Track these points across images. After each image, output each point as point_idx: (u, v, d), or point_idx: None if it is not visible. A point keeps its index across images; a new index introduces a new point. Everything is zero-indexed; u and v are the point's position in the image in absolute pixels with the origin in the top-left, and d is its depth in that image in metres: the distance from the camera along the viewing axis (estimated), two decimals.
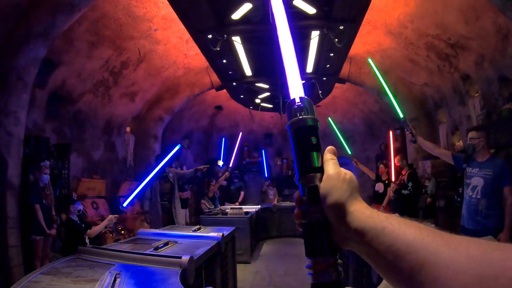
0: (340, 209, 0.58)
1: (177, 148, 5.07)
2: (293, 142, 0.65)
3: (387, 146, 10.62)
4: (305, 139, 0.64)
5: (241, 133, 10.22)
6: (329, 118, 7.82)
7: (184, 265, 2.46)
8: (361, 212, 0.57)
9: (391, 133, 6.86)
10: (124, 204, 3.97)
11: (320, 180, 0.62)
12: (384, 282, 2.09)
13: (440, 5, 5.66)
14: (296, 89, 0.70)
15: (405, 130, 3.96)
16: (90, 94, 7.23)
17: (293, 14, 4.99)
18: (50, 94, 6.41)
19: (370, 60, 4.70)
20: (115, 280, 2.11)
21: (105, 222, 4.16)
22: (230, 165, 8.84)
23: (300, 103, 0.66)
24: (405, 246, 0.48)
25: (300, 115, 0.65)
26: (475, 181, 3.64)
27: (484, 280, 0.38)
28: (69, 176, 6.77)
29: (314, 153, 0.63)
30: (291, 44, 0.77)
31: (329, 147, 0.66)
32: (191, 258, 2.54)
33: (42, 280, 2.10)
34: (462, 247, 0.43)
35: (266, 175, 12.87)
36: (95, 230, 4.34)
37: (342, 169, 0.63)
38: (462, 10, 5.49)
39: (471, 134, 3.75)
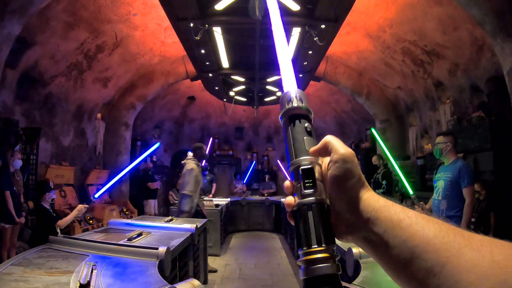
0: (353, 196, 0.52)
1: (156, 146, 4.95)
2: (285, 128, 0.61)
3: (357, 146, 10.89)
4: (300, 124, 0.60)
5: (211, 138, 10.08)
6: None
7: (161, 256, 2.42)
8: (375, 200, 0.51)
9: None
10: (96, 195, 3.84)
11: (314, 163, 0.56)
12: (361, 275, 2.11)
13: (420, 13, 5.82)
14: (289, 82, 0.66)
15: (415, 205, 4.01)
16: (62, 77, 6.95)
17: None
18: (21, 74, 6.10)
19: (373, 130, 5.24)
20: (91, 271, 2.05)
21: (74, 212, 3.99)
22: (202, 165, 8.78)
23: (295, 95, 0.63)
24: (423, 243, 0.44)
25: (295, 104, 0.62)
26: (439, 184, 3.80)
27: None
28: (37, 162, 6.50)
29: (310, 138, 0.59)
30: (284, 37, 0.74)
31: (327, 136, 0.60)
32: (168, 249, 2.50)
33: (14, 272, 2.01)
34: (485, 249, 0.40)
35: (245, 181, 12.70)
36: (65, 220, 4.19)
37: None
38: (441, 20, 5.67)
39: (438, 139, 3.89)
